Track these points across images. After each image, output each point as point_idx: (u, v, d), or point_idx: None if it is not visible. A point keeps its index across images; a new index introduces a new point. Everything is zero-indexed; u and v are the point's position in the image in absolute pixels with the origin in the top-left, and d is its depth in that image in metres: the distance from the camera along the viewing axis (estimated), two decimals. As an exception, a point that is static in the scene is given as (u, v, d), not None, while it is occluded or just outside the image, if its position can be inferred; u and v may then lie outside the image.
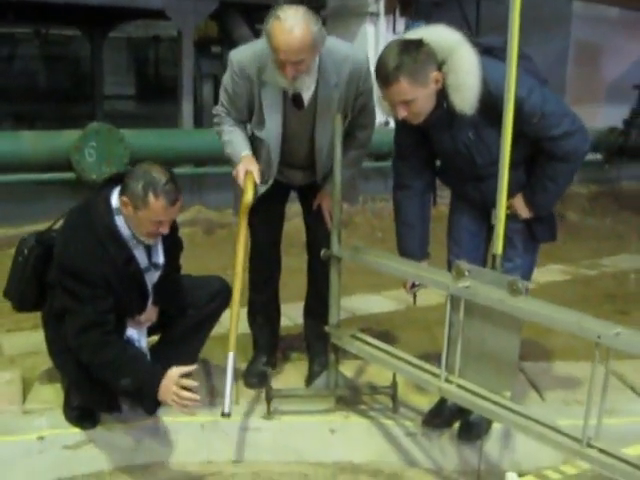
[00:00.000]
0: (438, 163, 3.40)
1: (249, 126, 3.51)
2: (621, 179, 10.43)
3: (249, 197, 3.26)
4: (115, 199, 3.01)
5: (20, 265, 3.28)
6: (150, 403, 3.12)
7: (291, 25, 2.97)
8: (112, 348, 2.97)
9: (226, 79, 3.39)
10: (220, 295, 3.43)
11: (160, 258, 3.21)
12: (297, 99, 3.30)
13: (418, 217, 3.33)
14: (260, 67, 3.25)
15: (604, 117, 11.49)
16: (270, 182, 3.48)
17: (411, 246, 3.35)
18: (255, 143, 3.46)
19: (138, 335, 3.23)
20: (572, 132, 2.94)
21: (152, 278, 3.20)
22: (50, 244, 3.17)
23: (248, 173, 3.29)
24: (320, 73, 3.25)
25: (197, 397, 2.85)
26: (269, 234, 3.72)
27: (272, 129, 3.35)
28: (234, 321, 3.17)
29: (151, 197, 2.87)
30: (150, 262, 3.16)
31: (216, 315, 3.50)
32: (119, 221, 3.00)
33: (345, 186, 3.42)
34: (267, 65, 3.21)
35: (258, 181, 3.31)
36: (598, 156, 10.14)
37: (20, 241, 3.32)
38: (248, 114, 3.42)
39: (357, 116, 3.42)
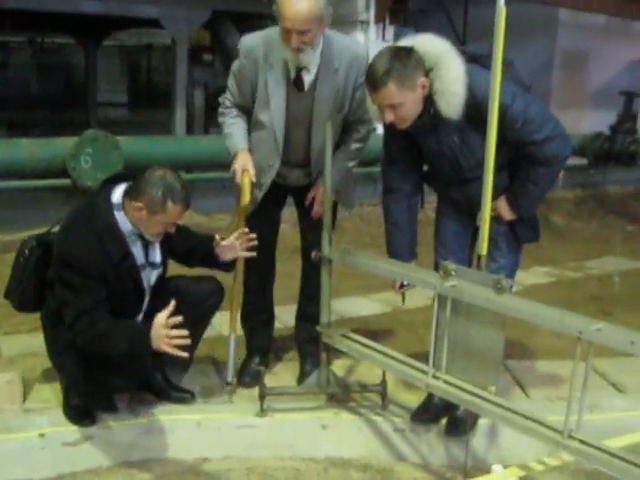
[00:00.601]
0: (425, 168, 3.48)
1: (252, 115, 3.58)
2: (606, 183, 10.52)
3: (246, 197, 3.40)
4: (117, 196, 3.11)
5: (21, 266, 3.35)
6: (147, 359, 3.12)
7: None
8: (101, 323, 3.01)
9: (235, 63, 3.51)
10: (214, 294, 3.53)
11: (157, 257, 3.29)
12: (298, 81, 3.40)
13: (406, 219, 3.42)
14: (267, 49, 3.38)
15: (591, 123, 11.58)
16: (269, 183, 3.56)
17: (400, 247, 3.43)
18: (257, 134, 3.54)
19: None
20: (553, 137, 3.03)
21: (148, 276, 3.28)
22: (51, 245, 3.23)
23: (245, 172, 3.41)
24: (322, 58, 3.37)
25: (186, 333, 2.85)
26: (265, 239, 3.77)
27: (276, 109, 3.43)
28: (234, 309, 3.57)
29: (170, 203, 3.00)
30: (147, 260, 3.24)
31: (210, 314, 3.60)
32: (119, 217, 3.10)
33: (341, 189, 3.53)
34: (274, 47, 3.34)
35: (254, 179, 3.43)
36: (584, 161, 10.26)
37: (21, 243, 3.40)
38: (251, 99, 3.50)
39: (356, 110, 3.49)
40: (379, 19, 8.66)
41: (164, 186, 3.01)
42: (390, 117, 3.02)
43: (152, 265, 3.29)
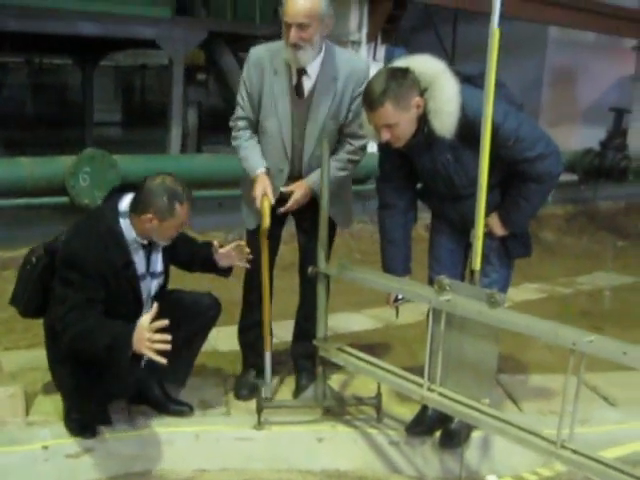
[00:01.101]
0: (419, 185, 3.55)
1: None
2: (597, 199, 10.59)
3: (267, 222, 3.47)
4: (124, 205, 3.19)
5: (27, 273, 3.40)
6: (125, 360, 3.00)
7: None
8: (91, 319, 3.04)
9: (243, 73, 3.61)
10: (212, 308, 3.59)
11: (159, 266, 3.36)
12: (299, 87, 3.49)
13: (401, 235, 3.48)
14: (272, 57, 3.50)
15: (581, 139, 11.69)
16: (280, 188, 3.61)
17: (394, 262, 3.49)
18: (265, 140, 3.61)
19: None
20: (546, 155, 3.10)
21: (148, 286, 3.34)
22: (57, 253, 3.27)
23: (264, 197, 3.48)
24: (322, 66, 3.47)
25: (169, 338, 2.83)
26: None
27: (283, 114, 3.52)
28: (267, 327, 3.65)
29: (177, 206, 3.11)
30: (148, 270, 3.31)
31: (209, 327, 3.65)
32: (124, 224, 3.18)
33: (337, 208, 3.60)
34: (279, 55, 3.45)
35: (273, 201, 3.51)
36: (575, 177, 10.34)
37: (29, 251, 3.44)
38: (258, 108, 3.58)
39: (351, 123, 3.55)
40: (371, 38, 8.77)
41: (167, 192, 3.10)
42: (386, 136, 3.09)
43: (152, 275, 3.35)
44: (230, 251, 3.57)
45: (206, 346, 3.81)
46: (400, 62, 3.16)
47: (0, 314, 5.08)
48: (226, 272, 3.67)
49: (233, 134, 3.71)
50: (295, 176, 3.63)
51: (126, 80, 20.42)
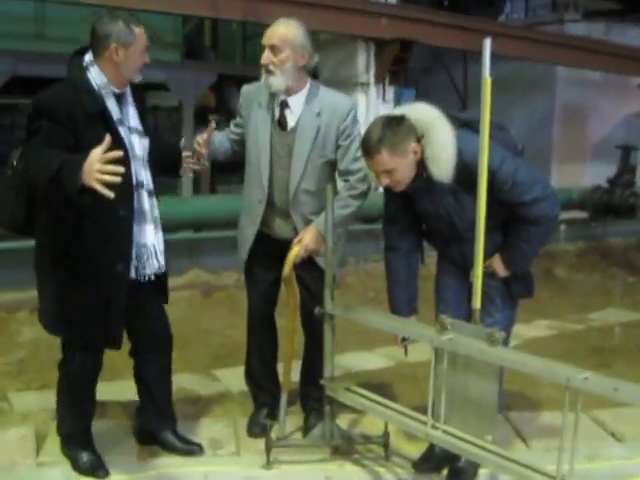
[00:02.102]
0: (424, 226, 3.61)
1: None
2: (607, 236, 10.60)
3: (287, 270, 3.54)
4: (88, 57, 3.18)
5: (9, 178, 3.23)
6: (74, 183, 2.74)
7: (282, 20, 3.52)
8: (52, 152, 2.91)
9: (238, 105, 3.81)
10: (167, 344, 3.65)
11: (137, 124, 3.31)
12: (282, 119, 3.60)
13: (405, 276, 3.54)
14: (259, 92, 3.64)
15: (591, 175, 11.77)
16: (259, 220, 3.71)
17: (400, 303, 3.55)
18: (248, 171, 3.73)
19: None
20: (542, 198, 3.16)
21: (129, 137, 3.23)
22: None
23: (293, 246, 3.56)
24: (306, 102, 3.58)
25: (121, 170, 2.71)
26: (262, 299, 3.90)
27: (262, 146, 3.62)
28: (287, 371, 3.70)
29: (135, 28, 3.15)
30: (122, 118, 3.23)
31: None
32: (93, 72, 3.16)
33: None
34: (265, 91, 3.58)
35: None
36: (585, 214, 10.41)
37: (10, 154, 3.28)
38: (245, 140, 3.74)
39: (342, 159, 3.60)
40: (379, 80, 8.89)
41: (121, 18, 3.14)
42: (386, 181, 3.19)
43: (131, 129, 3.27)
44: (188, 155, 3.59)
45: (217, 386, 3.87)
46: (397, 110, 3.28)
47: (13, 355, 5.18)
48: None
49: None
50: (281, 208, 3.69)
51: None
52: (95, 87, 3.14)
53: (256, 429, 3.89)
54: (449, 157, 3.10)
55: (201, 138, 3.56)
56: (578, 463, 2.72)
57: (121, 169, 2.71)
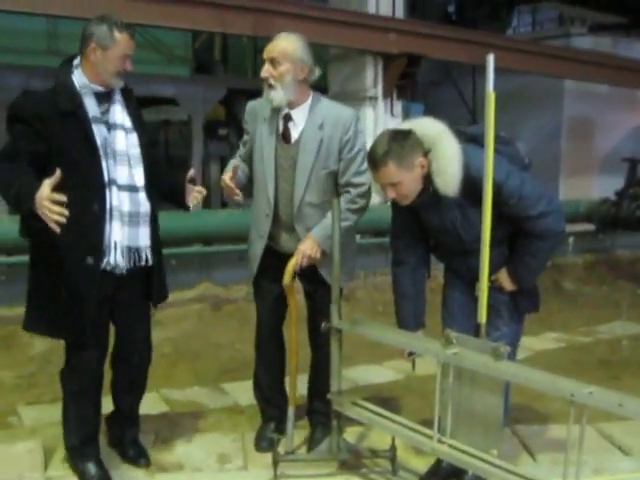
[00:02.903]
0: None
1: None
2: (615, 248, 10.62)
3: (287, 279, 3.59)
4: (75, 61, 3.28)
5: None
6: (27, 209, 2.97)
7: (282, 34, 3.57)
8: (13, 166, 3.06)
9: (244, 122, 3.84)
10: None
11: (120, 119, 3.34)
12: (285, 132, 3.63)
13: (412, 290, 3.56)
14: (263, 107, 3.67)
15: (598, 188, 11.79)
16: (267, 233, 3.72)
17: (406, 317, 3.57)
18: (255, 185, 3.76)
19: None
20: (548, 213, 3.18)
21: (103, 133, 3.27)
22: None
23: (292, 258, 3.61)
24: (309, 114, 3.62)
25: (65, 213, 2.87)
26: (270, 313, 3.91)
27: (267, 160, 3.65)
28: (293, 384, 3.74)
29: (116, 33, 3.20)
30: (102, 117, 3.28)
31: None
32: (76, 74, 3.26)
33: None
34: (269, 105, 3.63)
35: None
36: (592, 226, 10.42)
37: None
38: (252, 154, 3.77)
39: (346, 172, 3.63)
40: (387, 95, 8.95)
41: (105, 21, 3.21)
42: (391, 194, 3.22)
43: (114, 126, 3.32)
44: (193, 188, 3.58)
45: (225, 400, 3.88)
46: (404, 125, 3.31)
47: (24, 369, 5.21)
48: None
49: None
50: (286, 221, 3.71)
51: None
52: (76, 86, 3.24)
53: (263, 443, 3.91)
54: (455, 171, 3.12)
55: (227, 176, 3.57)
56: (585, 477, 2.75)
57: (65, 212, 2.87)
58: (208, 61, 10.91)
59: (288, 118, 3.63)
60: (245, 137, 3.85)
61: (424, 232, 3.53)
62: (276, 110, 3.63)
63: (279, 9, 7.65)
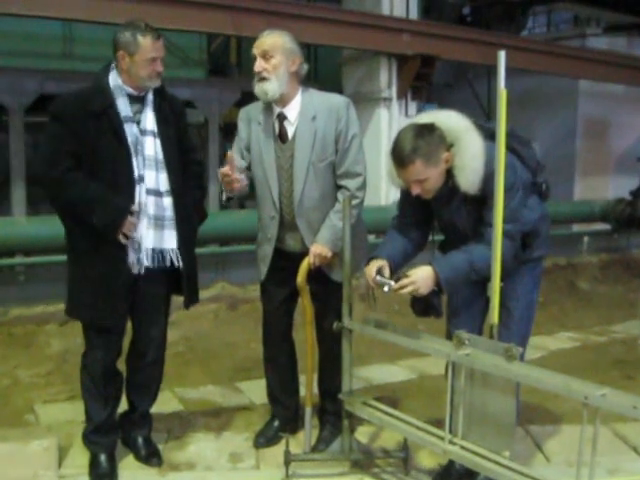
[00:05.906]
0: (440, 237, 3.60)
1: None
2: (630, 248, 10.59)
3: (299, 279, 3.63)
4: (113, 64, 3.40)
5: None
6: (104, 227, 3.29)
7: (267, 30, 3.60)
8: (75, 187, 3.28)
9: (237, 129, 3.83)
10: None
11: (150, 124, 3.43)
12: (282, 132, 3.64)
13: (400, 241, 3.46)
14: (258, 111, 3.68)
15: (613, 188, 11.75)
16: (275, 236, 3.73)
17: (382, 246, 3.45)
18: (258, 188, 3.74)
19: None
20: (508, 236, 3.08)
21: (134, 132, 3.37)
22: None
23: (305, 258, 3.63)
24: (301, 108, 3.62)
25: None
26: (276, 314, 3.93)
27: (268, 163, 3.65)
28: (309, 383, 3.76)
29: (140, 38, 3.29)
30: (134, 118, 3.38)
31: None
32: (112, 75, 3.38)
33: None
34: (265, 109, 3.65)
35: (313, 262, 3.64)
36: (607, 226, 10.42)
37: None
38: (247, 158, 3.75)
39: (343, 162, 3.62)
40: (401, 96, 8.93)
41: (129, 27, 3.31)
42: (417, 190, 3.16)
43: (145, 132, 3.41)
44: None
45: (240, 398, 3.87)
46: (425, 117, 3.26)
47: (41, 367, 5.25)
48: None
49: None
50: (291, 221, 3.70)
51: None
52: (110, 87, 3.36)
53: (260, 439, 3.93)
54: (477, 168, 3.08)
55: (225, 168, 3.50)
56: (599, 477, 2.73)
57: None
58: (223, 64, 10.91)
59: (283, 117, 3.63)
60: (237, 143, 3.79)
61: (427, 224, 3.53)
62: (270, 112, 3.63)
63: (292, 12, 7.65)
